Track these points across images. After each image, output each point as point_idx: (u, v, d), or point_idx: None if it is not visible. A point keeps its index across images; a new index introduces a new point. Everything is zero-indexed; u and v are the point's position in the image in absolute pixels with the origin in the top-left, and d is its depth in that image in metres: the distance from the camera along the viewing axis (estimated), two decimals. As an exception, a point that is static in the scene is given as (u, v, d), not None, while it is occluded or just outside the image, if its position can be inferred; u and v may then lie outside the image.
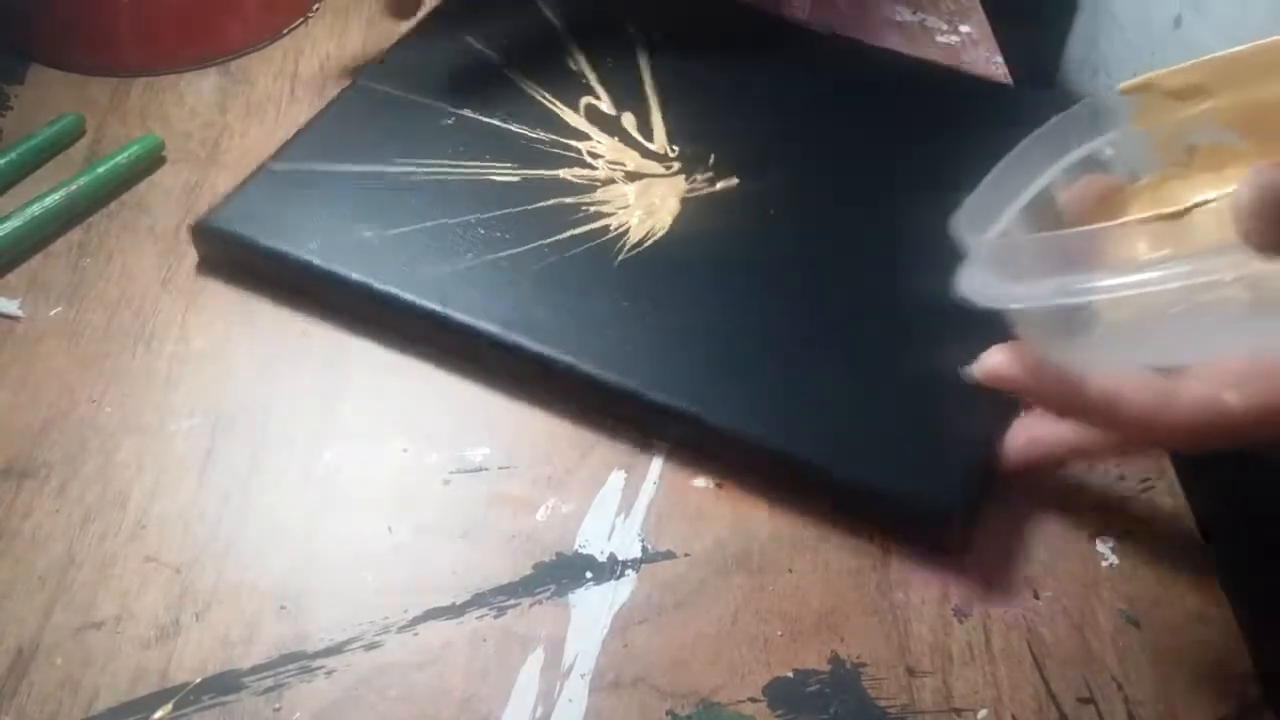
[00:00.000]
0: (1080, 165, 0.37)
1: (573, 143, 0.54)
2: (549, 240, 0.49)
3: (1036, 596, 0.41)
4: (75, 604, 0.39)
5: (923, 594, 0.40)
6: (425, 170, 0.52)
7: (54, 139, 0.55)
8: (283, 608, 0.39)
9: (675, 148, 0.54)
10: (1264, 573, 0.47)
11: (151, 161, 0.54)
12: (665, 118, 0.55)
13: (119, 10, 0.58)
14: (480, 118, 0.54)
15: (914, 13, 0.66)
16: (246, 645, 0.38)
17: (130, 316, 0.48)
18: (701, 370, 0.44)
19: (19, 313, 0.48)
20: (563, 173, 0.52)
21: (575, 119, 0.55)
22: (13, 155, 0.53)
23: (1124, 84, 0.36)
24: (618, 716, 0.37)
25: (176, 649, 0.38)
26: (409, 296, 0.46)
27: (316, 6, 0.64)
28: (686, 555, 0.41)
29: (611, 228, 0.50)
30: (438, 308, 0.46)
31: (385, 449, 0.44)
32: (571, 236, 0.49)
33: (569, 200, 0.51)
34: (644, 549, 0.41)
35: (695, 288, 0.48)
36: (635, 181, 0.52)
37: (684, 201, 0.51)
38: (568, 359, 0.44)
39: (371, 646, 0.38)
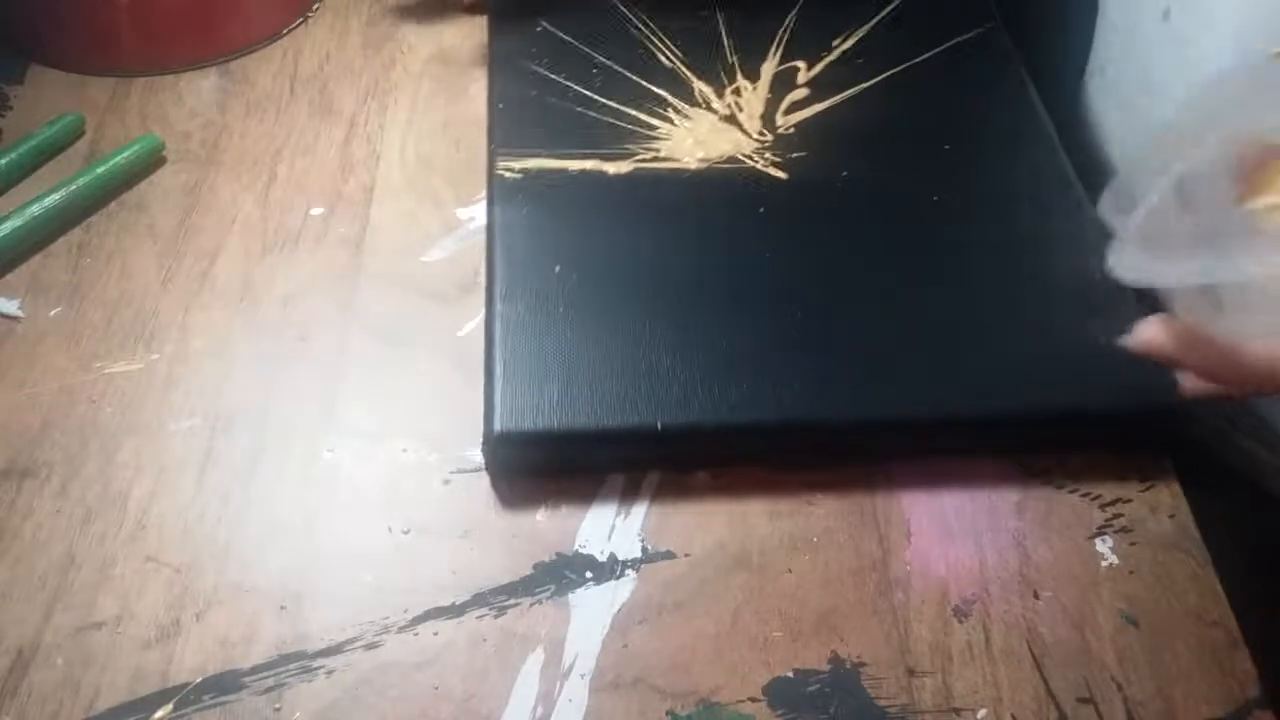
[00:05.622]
0: (1233, 136, 0.36)
1: (724, 76, 0.56)
2: (619, 105, 0.54)
3: (1036, 596, 0.41)
4: (75, 604, 0.39)
5: (923, 594, 0.40)
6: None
7: (54, 139, 0.55)
8: (283, 608, 0.39)
9: (791, 129, 0.53)
10: (1264, 572, 0.47)
11: (151, 161, 0.54)
12: (797, 110, 0.54)
13: (119, 10, 0.58)
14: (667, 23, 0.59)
15: (914, 13, 0.66)
16: (246, 645, 0.38)
17: (130, 316, 0.48)
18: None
19: (19, 313, 0.48)
20: (699, 83, 0.55)
21: (768, 64, 0.57)
22: (13, 155, 0.53)
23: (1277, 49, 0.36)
24: (618, 716, 0.37)
25: (176, 649, 0.38)
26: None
27: (316, 6, 0.64)
28: (686, 555, 0.41)
29: (659, 130, 0.52)
30: None
31: (385, 449, 0.44)
32: (635, 117, 0.53)
33: (670, 98, 0.54)
34: (644, 549, 0.41)
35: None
36: (725, 121, 0.53)
37: (729, 157, 0.51)
38: None
39: (371, 646, 0.38)
